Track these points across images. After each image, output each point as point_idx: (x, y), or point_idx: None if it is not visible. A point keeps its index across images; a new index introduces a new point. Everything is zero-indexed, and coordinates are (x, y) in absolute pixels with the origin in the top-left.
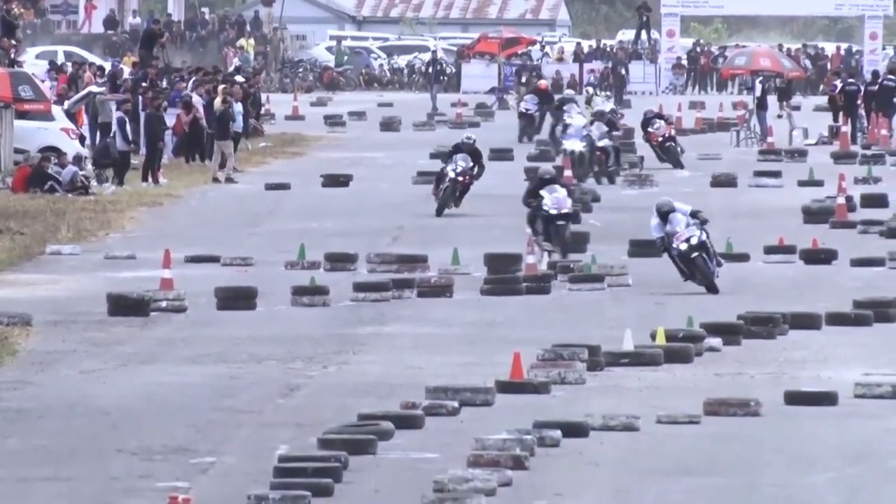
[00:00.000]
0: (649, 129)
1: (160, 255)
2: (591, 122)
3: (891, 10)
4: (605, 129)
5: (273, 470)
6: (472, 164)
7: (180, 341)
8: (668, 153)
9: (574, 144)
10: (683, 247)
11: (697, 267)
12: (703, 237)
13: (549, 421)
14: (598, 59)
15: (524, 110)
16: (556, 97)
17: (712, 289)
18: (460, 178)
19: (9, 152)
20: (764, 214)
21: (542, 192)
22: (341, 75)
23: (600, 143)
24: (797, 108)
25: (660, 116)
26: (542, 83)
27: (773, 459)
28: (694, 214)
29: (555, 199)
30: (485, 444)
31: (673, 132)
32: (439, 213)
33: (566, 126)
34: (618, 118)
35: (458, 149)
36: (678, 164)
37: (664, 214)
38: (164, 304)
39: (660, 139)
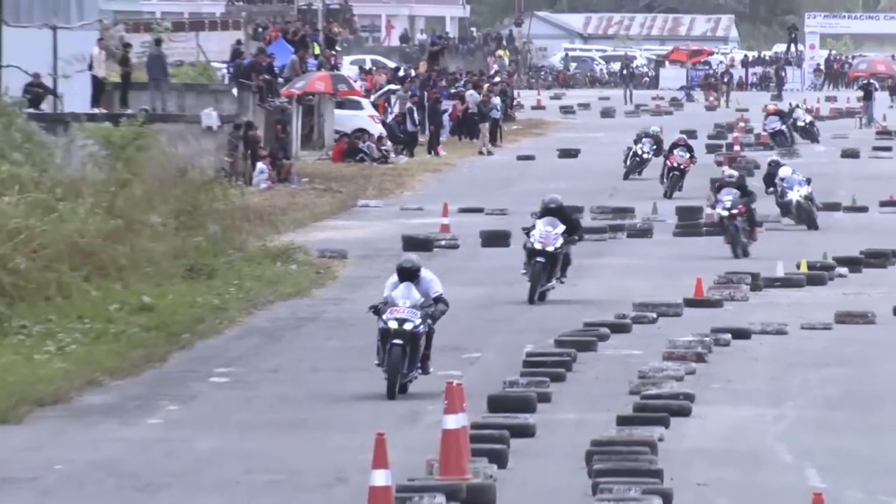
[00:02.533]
0: (673, 152)
1: (440, 207)
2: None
3: None
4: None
5: (522, 363)
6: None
7: (454, 270)
8: (672, 181)
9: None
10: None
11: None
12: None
13: (722, 327)
14: (759, 66)
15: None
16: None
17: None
18: (550, 250)
19: (330, 132)
20: (880, 178)
21: (537, 223)
22: (572, 77)
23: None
24: None
25: (688, 148)
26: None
27: (886, 355)
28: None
29: (542, 234)
30: (675, 344)
31: (691, 164)
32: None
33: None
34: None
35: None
36: (676, 190)
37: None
38: (442, 242)
39: (675, 164)
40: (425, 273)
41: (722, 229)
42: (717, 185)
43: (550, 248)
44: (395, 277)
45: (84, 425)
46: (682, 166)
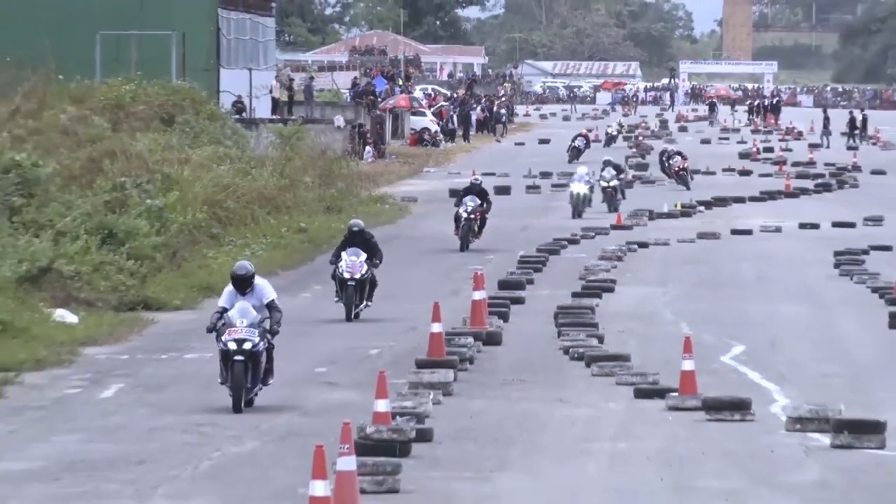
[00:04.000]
0: (669, 162)
1: (469, 172)
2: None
3: None
4: (614, 172)
5: (517, 261)
6: (480, 202)
7: None
8: (682, 179)
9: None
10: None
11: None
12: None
13: (632, 241)
14: (652, 91)
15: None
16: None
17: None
18: (472, 216)
19: (407, 129)
20: (723, 155)
21: (343, 254)
22: (546, 97)
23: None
24: None
25: (678, 153)
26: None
27: (725, 257)
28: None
29: (349, 264)
30: (606, 251)
31: (686, 165)
32: (463, 248)
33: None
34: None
35: (467, 191)
36: (687, 186)
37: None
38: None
39: (676, 170)
40: (258, 280)
41: (457, 225)
42: (464, 190)
43: (358, 276)
44: (230, 287)
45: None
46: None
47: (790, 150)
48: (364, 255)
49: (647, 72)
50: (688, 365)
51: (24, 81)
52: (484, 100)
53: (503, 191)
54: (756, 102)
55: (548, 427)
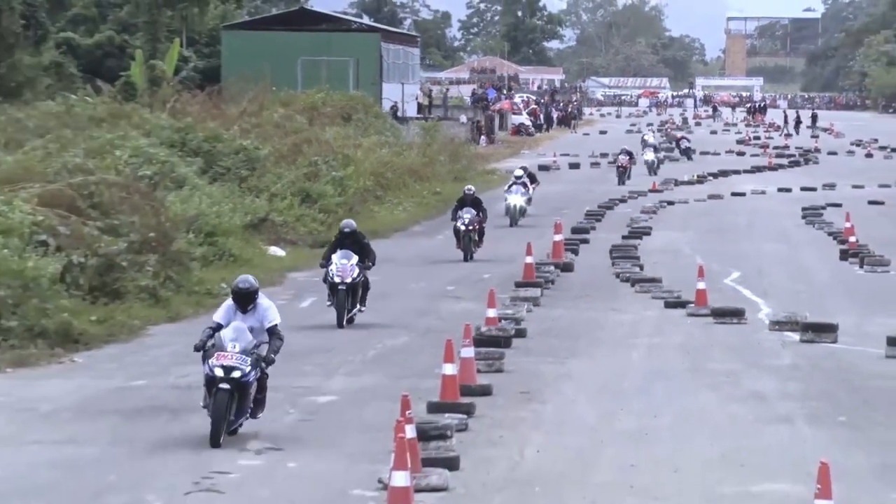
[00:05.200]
0: (619, 157)
1: (552, 153)
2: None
3: None
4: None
5: (584, 214)
6: (476, 212)
7: (557, 179)
8: (622, 175)
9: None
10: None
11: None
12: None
13: (663, 200)
14: (678, 98)
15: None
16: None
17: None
18: (471, 228)
19: (509, 124)
20: (726, 142)
21: (333, 257)
22: (603, 102)
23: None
24: None
25: (628, 153)
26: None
27: (728, 211)
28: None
29: (340, 268)
30: (645, 207)
31: (631, 163)
32: (466, 259)
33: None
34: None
35: (462, 202)
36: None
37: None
38: (555, 165)
39: (620, 168)
40: (262, 300)
41: (457, 238)
42: (459, 202)
43: (349, 280)
44: (230, 301)
45: (412, 236)
46: (622, 166)
47: (771, 138)
48: (355, 258)
49: (674, 84)
50: (701, 285)
51: (249, 91)
52: (562, 104)
53: (574, 166)
54: (749, 105)
55: (604, 328)
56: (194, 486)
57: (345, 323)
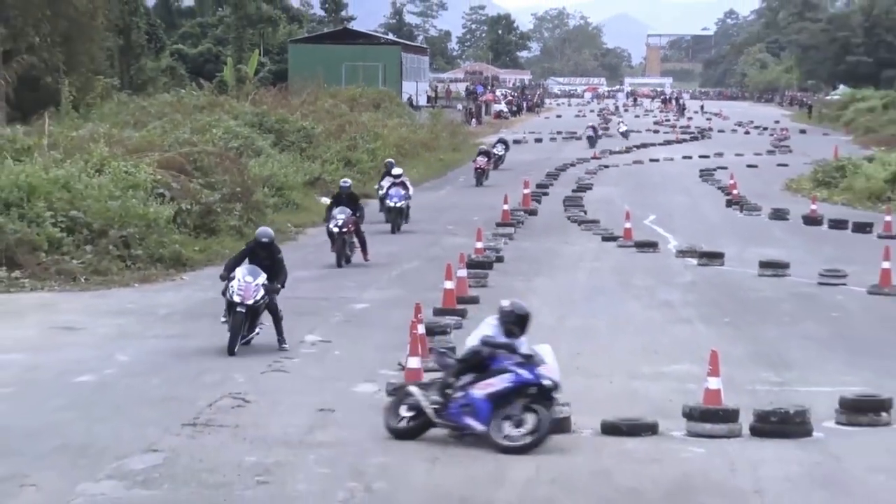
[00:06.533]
0: (477, 159)
1: (523, 131)
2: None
3: None
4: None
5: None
6: (351, 211)
7: (524, 150)
8: (479, 177)
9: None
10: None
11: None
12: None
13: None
14: (610, 92)
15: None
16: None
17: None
18: (344, 230)
19: (493, 111)
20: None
21: (238, 271)
22: (558, 95)
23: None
24: None
25: (486, 153)
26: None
27: (664, 174)
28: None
29: (242, 286)
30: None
31: (489, 166)
32: (339, 264)
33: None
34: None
35: (337, 199)
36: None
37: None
38: (524, 139)
39: (478, 169)
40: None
41: (331, 240)
42: (334, 198)
43: (250, 302)
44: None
45: (423, 189)
46: (482, 168)
47: (678, 120)
48: (263, 277)
49: (609, 82)
50: (627, 225)
51: (307, 88)
52: (529, 96)
53: (538, 140)
54: (662, 97)
55: (559, 255)
56: (267, 367)
57: (237, 350)
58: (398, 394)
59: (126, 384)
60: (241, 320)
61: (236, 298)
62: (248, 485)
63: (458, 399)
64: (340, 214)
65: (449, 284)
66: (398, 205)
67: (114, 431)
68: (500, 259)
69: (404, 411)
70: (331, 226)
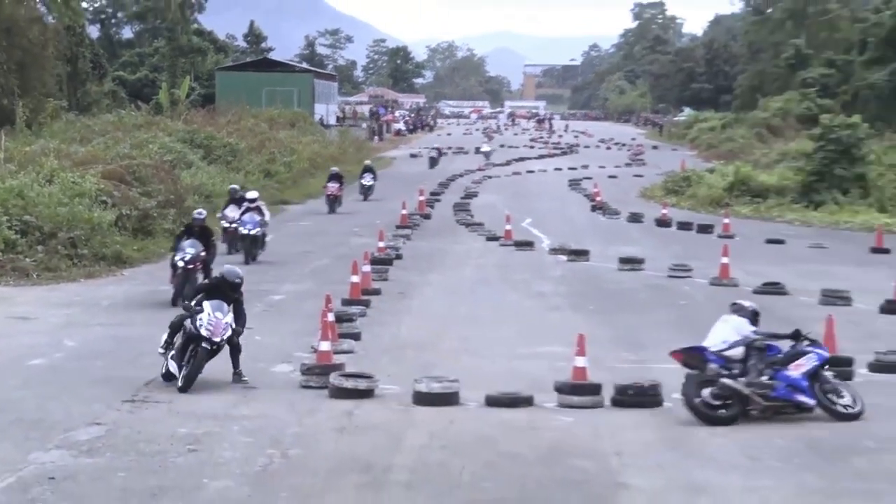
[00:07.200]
0: (328, 185)
1: (419, 146)
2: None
3: None
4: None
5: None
6: (201, 247)
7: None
8: (332, 204)
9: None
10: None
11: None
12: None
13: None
14: (493, 114)
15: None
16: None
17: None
18: (189, 267)
19: (394, 129)
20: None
21: (205, 305)
22: (454, 117)
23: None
24: None
25: (337, 177)
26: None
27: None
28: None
29: (212, 322)
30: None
31: (342, 192)
32: (174, 303)
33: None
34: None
35: (189, 231)
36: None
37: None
38: (422, 155)
39: (329, 195)
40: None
41: (173, 272)
42: (186, 228)
43: (218, 339)
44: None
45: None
46: (333, 195)
47: (551, 137)
48: (230, 316)
49: (492, 105)
50: (508, 227)
51: (232, 109)
52: (424, 117)
53: (436, 152)
54: (536, 118)
55: (449, 254)
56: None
57: (188, 388)
58: (696, 378)
59: (73, 366)
60: (205, 357)
61: (205, 333)
62: (180, 452)
63: (776, 383)
64: (191, 248)
65: (355, 278)
66: (252, 232)
67: (62, 407)
68: (399, 257)
69: (710, 398)
70: (177, 258)
